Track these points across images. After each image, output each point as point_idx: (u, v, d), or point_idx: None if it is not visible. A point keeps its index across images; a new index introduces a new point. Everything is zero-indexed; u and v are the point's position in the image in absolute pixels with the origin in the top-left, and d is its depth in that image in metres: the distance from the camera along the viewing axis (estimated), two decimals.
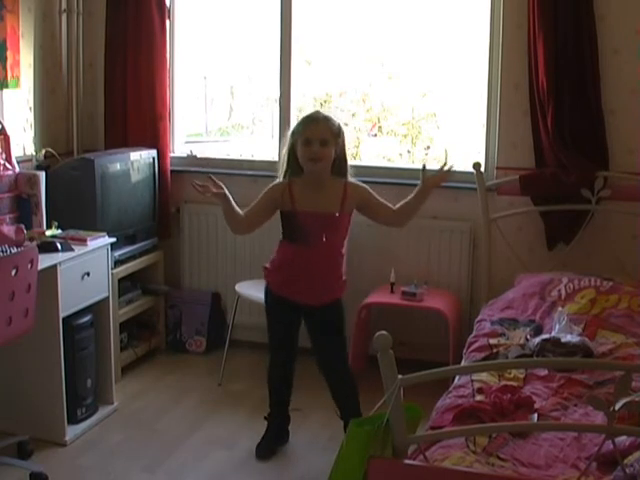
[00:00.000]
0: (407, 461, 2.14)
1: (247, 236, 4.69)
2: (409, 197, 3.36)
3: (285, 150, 3.38)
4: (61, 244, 3.61)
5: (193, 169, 4.83)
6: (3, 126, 3.98)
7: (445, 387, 3.01)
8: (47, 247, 3.54)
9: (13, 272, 3.09)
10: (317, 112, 3.41)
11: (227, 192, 3.29)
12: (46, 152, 4.42)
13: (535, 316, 3.67)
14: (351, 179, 3.40)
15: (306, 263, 3.35)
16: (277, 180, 3.42)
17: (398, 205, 3.38)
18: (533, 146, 4.18)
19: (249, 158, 4.92)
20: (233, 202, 3.33)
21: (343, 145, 3.36)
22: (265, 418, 3.67)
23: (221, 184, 3.28)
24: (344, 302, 3.51)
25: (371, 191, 3.40)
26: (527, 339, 3.39)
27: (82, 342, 3.73)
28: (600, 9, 3.99)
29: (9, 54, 4.11)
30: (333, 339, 3.49)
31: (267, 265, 3.49)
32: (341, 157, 3.36)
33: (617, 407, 1.98)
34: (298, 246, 3.36)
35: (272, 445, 3.62)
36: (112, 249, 3.96)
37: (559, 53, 3.98)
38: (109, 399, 3.97)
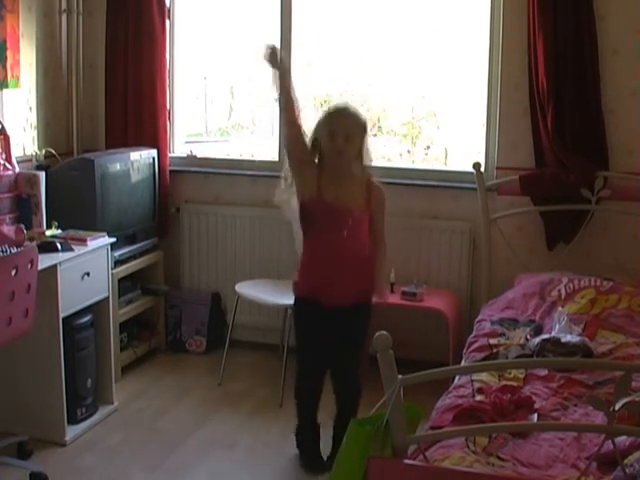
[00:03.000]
0: (407, 461, 2.14)
1: (247, 236, 4.71)
2: (378, 269, 3.37)
3: (310, 136, 3.32)
4: (61, 244, 3.61)
5: (193, 169, 4.84)
6: (3, 126, 3.98)
7: (445, 387, 3.01)
8: (47, 247, 3.54)
9: (13, 272, 3.09)
10: (346, 106, 3.35)
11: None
12: (46, 152, 4.42)
13: (535, 316, 3.67)
14: (377, 181, 3.35)
15: (331, 256, 3.27)
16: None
17: (379, 251, 3.37)
18: (533, 146, 4.19)
19: (249, 158, 4.92)
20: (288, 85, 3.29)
21: (366, 142, 3.31)
22: (295, 435, 3.56)
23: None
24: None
25: (384, 207, 3.36)
26: (527, 339, 3.39)
27: (82, 342, 3.73)
28: (600, 9, 3.99)
29: (9, 54, 4.11)
30: (352, 349, 3.39)
31: (295, 279, 3.42)
32: (363, 153, 3.30)
33: (617, 407, 1.98)
34: (323, 238, 3.29)
35: (316, 451, 3.51)
36: (112, 249, 3.95)
37: (559, 53, 3.98)
38: (109, 399, 3.96)
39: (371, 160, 3.35)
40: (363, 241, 3.32)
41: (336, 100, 4.89)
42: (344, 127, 3.23)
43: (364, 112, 4.99)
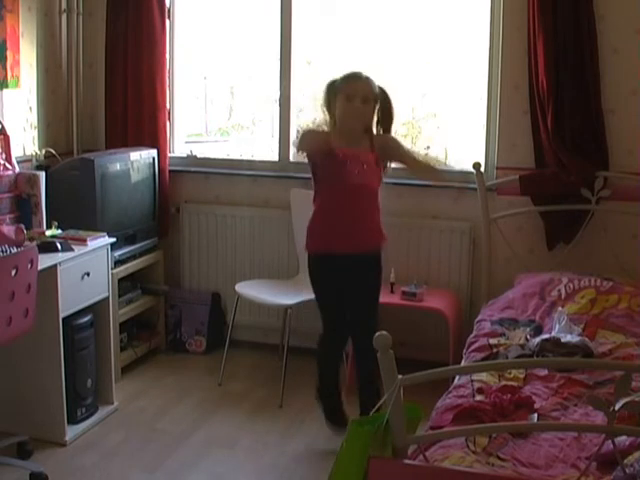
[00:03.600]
0: (407, 461, 2.14)
1: (247, 236, 4.71)
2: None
3: (321, 105, 3.44)
4: (61, 244, 3.61)
5: (193, 169, 4.84)
6: (3, 126, 3.98)
7: (445, 387, 3.01)
8: (47, 247, 3.54)
9: (13, 272, 3.09)
10: (359, 72, 3.44)
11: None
12: (46, 152, 4.43)
13: (535, 316, 3.67)
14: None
15: (345, 202, 3.37)
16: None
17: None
18: (533, 146, 4.19)
19: (249, 158, 4.92)
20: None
21: (389, 105, 3.42)
22: (316, 398, 3.68)
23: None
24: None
25: (398, 140, 3.54)
26: (527, 339, 3.39)
27: (82, 342, 3.73)
28: (600, 9, 3.99)
29: (9, 54, 4.11)
30: (366, 299, 3.47)
31: (307, 239, 3.52)
32: (385, 116, 3.42)
33: (617, 407, 1.98)
34: (336, 186, 3.38)
35: (339, 411, 3.62)
36: (112, 249, 3.96)
37: (559, 53, 3.98)
38: (109, 399, 3.97)
39: (391, 129, 3.46)
40: (375, 186, 3.41)
41: None
42: (361, 89, 3.34)
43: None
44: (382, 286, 4.25)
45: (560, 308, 3.60)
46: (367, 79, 3.39)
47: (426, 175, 3.68)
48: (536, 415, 2.69)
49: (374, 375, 3.33)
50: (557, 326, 3.44)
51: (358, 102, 3.33)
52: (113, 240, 3.92)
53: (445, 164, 4.76)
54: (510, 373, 3.03)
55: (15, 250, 3.28)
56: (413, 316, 4.37)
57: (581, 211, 4.13)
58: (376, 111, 3.41)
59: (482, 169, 4.21)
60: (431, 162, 3.70)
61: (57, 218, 3.87)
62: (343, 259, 3.40)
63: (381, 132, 3.47)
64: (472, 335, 3.57)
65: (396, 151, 3.49)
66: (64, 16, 4.66)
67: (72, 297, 3.61)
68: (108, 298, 3.91)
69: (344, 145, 3.35)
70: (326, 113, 3.44)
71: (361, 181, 3.36)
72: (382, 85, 3.45)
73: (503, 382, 2.93)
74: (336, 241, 3.41)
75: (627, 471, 2.14)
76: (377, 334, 2.04)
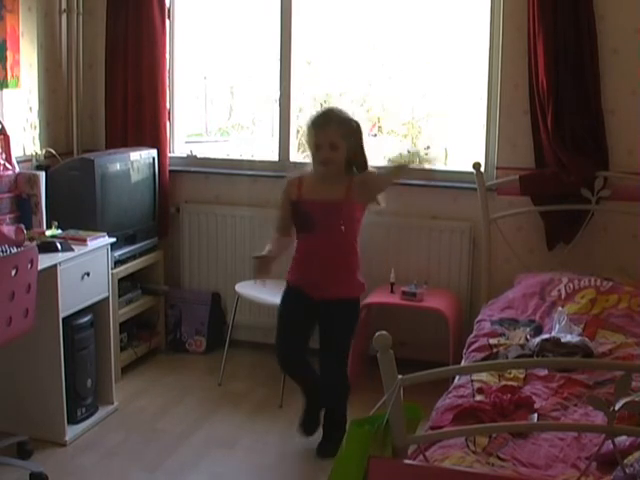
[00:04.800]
0: (407, 461, 2.13)
1: (247, 236, 4.71)
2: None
3: (305, 140, 3.43)
4: (61, 244, 3.61)
5: (193, 169, 4.84)
6: (3, 126, 3.98)
7: (445, 387, 3.01)
8: (47, 247, 3.54)
9: (13, 272, 3.09)
10: (328, 113, 3.35)
11: (268, 254, 3.37)
12: (46, 152, 4.42)
13: (535, 316, 3.67)
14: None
15: (316, 252, 3.37)
16: (290, 175, 3.51)
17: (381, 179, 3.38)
18: (533, 146, 4.19)
19: (249, 158, 4.92)
20: (275, 251, 3.42)
21: (358, 142, 3.31)
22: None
23: (265, 257, 3.37)
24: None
25: (374, 171, 3.36)
26: (527, 339, 3.39)
27: (82, 342, 3.73)
28: (600, 9, 3.99)
29: (9, 54, 4.11)
30: (335, 341, 3.46)
31: (288, 270, 3.53)
32: (357, 154, 3.33)
33: (617, 407, 1.98)
34: (307, 235, 3.39)
35: (315, 417, 3.61)
36: (112, 249, 3.95)
37: (559, 53, 3.98)
38: (109, 399, 3.96)
39: (367, 162, 3.35)
40: (348, 235, 3.36)
41: (336, 100, 4.90)
42: (328, 137, 3.24)
43: (364, 112, 5.03)
44: (380, 287, 4.29)
45: (560, 308, 3.60)
46: (335, 122, 3.27)
47: (403, 174, 3.48)
48: (536, 415, 2.69)
49: (335, 414, 3.46)
50: (557, 326, 3.44)
51: (326, 150, 3.25)
52: (113, 240, 3.92)
53: (445, 164, 4.77)
54: (510, 373, 3.02)
55: (15, 250, 3.27)
56: (413, 316, 4.37)
57: (581, 211, 4.13)
58: (347, 150, 3.29)
59: (482, 169, 4.21)
60: (403, 161, 3.63)
61: (57, 218, 3.87)
62: (315, 301, 3.41)
63: (356, 170, 3.37)
64: (472, 335, 3.57)
65: (376, 180, 3.34)
66: (64, 16, 4.66)
67: (72, 297, 3.61)
68: (108, 298, 3.91)
69: (318, 186, 3.33)
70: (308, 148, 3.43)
71: (328, 232, 3.32)
72: (354, 118, 3.35)
73: (503, 382, 2.93)
74: (307, 288, 3.42)
75: (627, 471, 2.14)
76: (377, 334, 2.04)
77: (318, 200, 3.32)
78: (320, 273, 3.38)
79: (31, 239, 3.58)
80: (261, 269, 3.39)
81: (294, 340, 3.51)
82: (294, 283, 3.49)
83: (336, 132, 3.25)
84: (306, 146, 3.44)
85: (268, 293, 4.27)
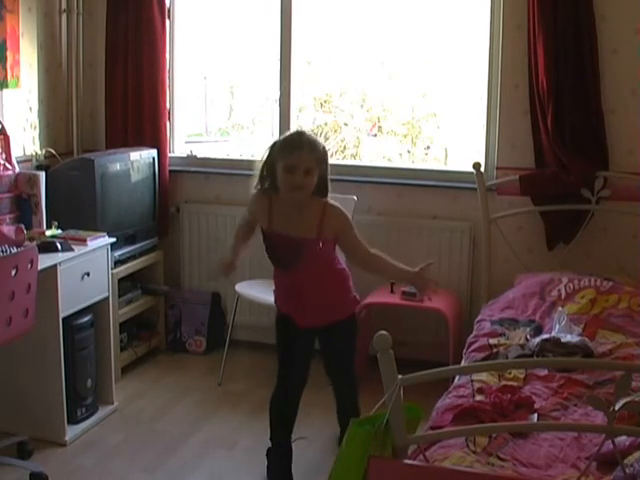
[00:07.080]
0: (407, 461, 2.13)
1: None
2: (394, 262, 3.19)
3: (262, 162, 3.13)
4: (61, 244, 3.61)
5: (193, 169, 4.84)
6: (3, 126, 3.98)
7: (445, 387, 3.01)
8: (47, 247, 3.54)
9: (13, 272, 3.09)
10: (301, 137, 3.08)
11: (233, 259, 3.29)
12: (46, 152, 4.43)
13: (535, 316, 3.67)
14: (332, 201, 3.11)
15: (297, 287, 3.14)
16: (253, 191, 3.25)
17: (377, 253, 3.17)
18: (533, 146, 4.18)
19: (249, 158, 4.92)
20: (239, 253, 3.33)
21: (326, 168, 3.09)
22: (267, 455, 3.42)
23: (228, 262, 3.29)
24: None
25: (351, 223, 3.14)
26: (527, 339, 3.39)
27: (82, 342, 3.73)
28: (600, 9, 3.99)
29: (9, 54, 4.11)
30: (338, 364, 3.30)
31: (275, 295, 3.34)
32: (324, 179, 3.09)
33: (617, 407, 1.98)
34: (283, 271, 3.18)
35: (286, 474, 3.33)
36: (112, 249, 3.95)
37: (559, 53, 3.98)
38: (109, 399, 3.96)
39: (328, 189, 3.12)
40: (323, 267, 3.14)
41: (336, 100, 4.90)
42: (303, 162, 2.98)
43: (364, 112, 5.04)
44: (380, 287, 4.29)
45: (560, 308, 3.60)
46: (310, 146, 3.01)
47: (417, 283, 3.31)
48: (536, 415, 2.69)
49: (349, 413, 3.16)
50: (557, 326, 3.44)
51: (300, 175, 2.97)
52: (113, 240, 3.92)
53: (445, 164, 4.77)
54: (510, 373, 3.02)
55: (15, 250, 3.27)
56: (413, 316, 4.38)
57: (581, 211, 4.13)
58: (318, 177, 3.05)
59: (482, 169, 4.21)
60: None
61: (57, 218, 3.87)
62: (306, 329, 3.20)
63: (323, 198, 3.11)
64: (472, 335, 3.57)
65: (348, 237, 3.12)
66: (64, 16, 4.66)
67: (72, 297, 3.61)
68: (108, 298, 3.91)
69: (285, 214, 3.08)
70: (265, 171, 3.12)
71: (305, 267, 3.08)
72: (323, 143, 3.14)
73: (503, 382, 2.93)
74: (297, 319, 3.19)
75: (627, 471, 2.14)
76: (377, 334, 2.04)
77: (291, 236, 3.05)
78: (307, 306, 3.16)
79: (31, 239, 3.58)
80: (227, 272, 3.29)
81: (297, 375, 3.30)
82: (283, 310, 3.26)
83: (311, 157, 3.01)
84: (264, 169, 3.12)
85: (268, 293, 4.28)
